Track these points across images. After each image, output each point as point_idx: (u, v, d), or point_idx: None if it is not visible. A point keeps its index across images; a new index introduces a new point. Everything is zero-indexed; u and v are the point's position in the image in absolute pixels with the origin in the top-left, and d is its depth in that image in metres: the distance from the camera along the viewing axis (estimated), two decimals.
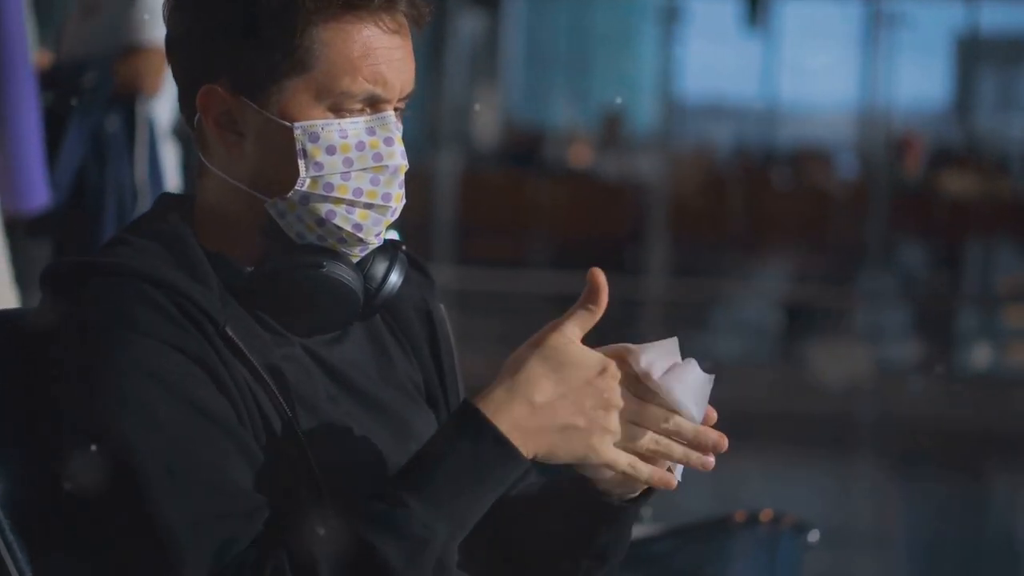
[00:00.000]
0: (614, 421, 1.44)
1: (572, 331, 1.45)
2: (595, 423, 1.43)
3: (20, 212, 3.39)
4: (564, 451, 1.43)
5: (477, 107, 13.47)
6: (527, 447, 1.42)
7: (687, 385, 1.46)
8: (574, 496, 1.54)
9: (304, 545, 1.40)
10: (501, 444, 1.41)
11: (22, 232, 3.84)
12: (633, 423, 1.45)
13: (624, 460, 1.45)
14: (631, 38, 16.81)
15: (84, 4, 3.99)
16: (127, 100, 3.86)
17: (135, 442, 1.40)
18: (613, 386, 1.44)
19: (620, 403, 1.44)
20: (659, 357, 1.46)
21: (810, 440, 6.71)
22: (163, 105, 3.97)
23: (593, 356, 1.44)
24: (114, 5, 3.90)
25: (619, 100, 14.54)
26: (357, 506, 1.40)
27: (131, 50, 3.85)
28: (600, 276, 1.46)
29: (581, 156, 11.98)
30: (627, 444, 1.45)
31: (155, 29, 3.83)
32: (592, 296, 1.46)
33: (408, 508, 1.38)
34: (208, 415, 1.44)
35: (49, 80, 3.82)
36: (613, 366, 1.44)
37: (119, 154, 3.84)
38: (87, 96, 3.81)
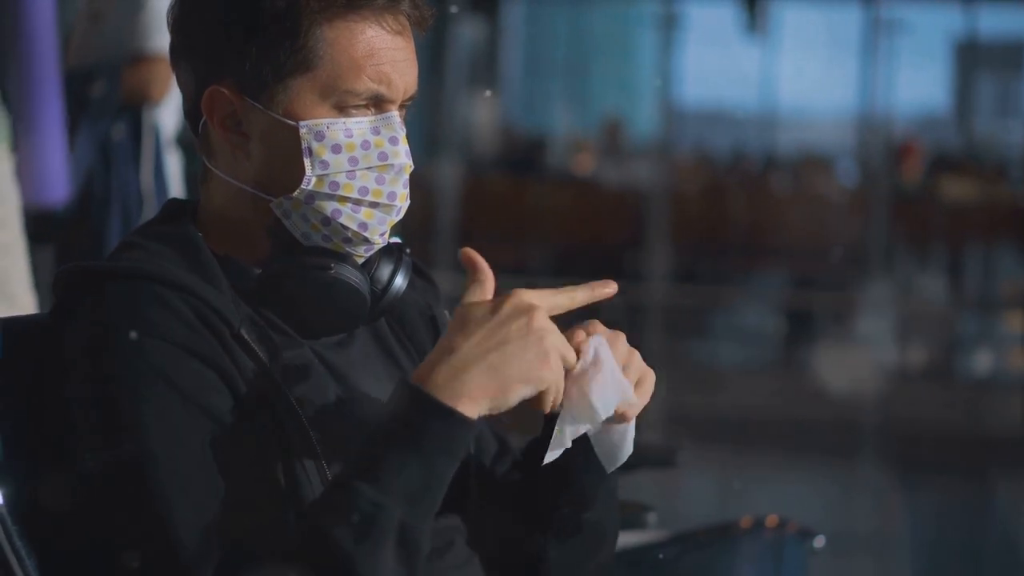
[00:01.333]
0: (540, 320, 1.41)
1: (468, 299, 1.43)
2: (526, 342, 1.40)
3: (41, 204, 3.42)
4: (509, 384, 1.39)
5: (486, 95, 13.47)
6: (467, 401, 1.38)
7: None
8: (536, 450, 1.53)
9: (275, 546, 1.39)
10: (430, 404, 1.38)
11: (26, 238, 3.84)
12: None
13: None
14: (630, 45, 16.83)
15: (90, 12, 3.99)
16: (134, 108, 3.86)
17: (148, 446, 1.40)
18: (522, 298, 1.41)
19: (542, 321, 1.41)
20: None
21: (812, 446, 6.71)
22: (167, 114, 3.97)
23: (493, 300, 1.42)
24: (120, 13, 3.90)
25: (619, 108, 14.56)
26: (321, 510, 1.38)
27: (139, 58, 3.85)
28: (470, 253, 1.45)
29: (586, 164, 11.97)
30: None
31: (162, 37, 3.83)
32: (473, 272, 1.44)
33: (353, 488, 1.36)
34: (221, 421, 1.43)
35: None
36: (515, 296, 1.41)
37: (125, 162, 3.84)
38: (95, 104, 3.81)
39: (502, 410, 1.40)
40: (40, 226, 3.73)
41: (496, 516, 1.59)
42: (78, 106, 3.79)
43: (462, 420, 1.38)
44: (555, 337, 1.41)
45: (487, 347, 1.39)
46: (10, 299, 3.23)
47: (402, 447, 1.37)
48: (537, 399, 1.42)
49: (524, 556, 1.61)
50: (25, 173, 3.28)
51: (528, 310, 1.40)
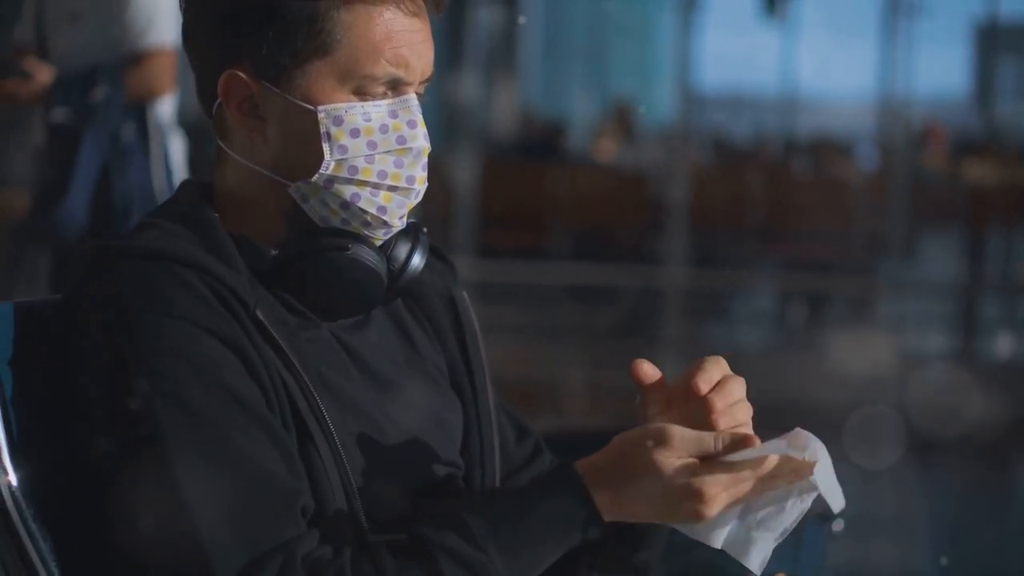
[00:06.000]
0: (708, 516, 1.42)
1: (680, 442, 1.41)
2: (685, 520, 1.42)
3: None
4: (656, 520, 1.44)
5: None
6: (615, 518, 1.43)
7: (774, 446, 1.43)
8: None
9: (366, 552, 1.39)
10: (594, 522, 1.41)
11: (25, 238, 3.82)
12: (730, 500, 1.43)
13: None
14: (649, 29, 16.79)
15: (67, 13, 3.87)
16: (138, 106, 3.83)
17: (167, 426, 1.39)
18: (705, 506, 1.40)
19: (714, 509, 1.41)
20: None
21: (831, 429, 6.70)
22: (165, 101, 3.94)
23: (684, 479, 1.40)
24: (102, 13, 3.82)
25: (638, 92, 14.50)
26: (427, 526, 1.40)
27: (139, 56, 3.80)
28: (754, 441, 1.42)
29: (605, 150, 11.94)
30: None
31: (158, 31, 3.79)
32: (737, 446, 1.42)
33: (493, 563, 1.39)
34: (240, 401, 1.42)
35: (58, 96, 3.76)
36: (706, 489, 1.40)
37: (138, 161, 3.81)
38: (100, 110, 3.76)
39: None
40: (44, 233, 3.72)
41: None
42: (82, 114, 3.74)
43: (597, 530, 1.42)
44: (714, 513, 1.42)
45: (661, 502, 1.40)
46: None
47: (549, 543, 1.41)
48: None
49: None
50: None
51: (701, 501, 1.40)
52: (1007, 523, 5.57)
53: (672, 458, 1.39)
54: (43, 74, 3.78)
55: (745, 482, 1.40)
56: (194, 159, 4.09)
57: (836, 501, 1.45)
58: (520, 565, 1.40)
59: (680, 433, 1.40)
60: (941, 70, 14.33)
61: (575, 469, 1.42)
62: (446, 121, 11.21)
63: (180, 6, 1.57)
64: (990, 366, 8.90)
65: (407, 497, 1.52)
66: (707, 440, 1.40)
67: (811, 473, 1.42)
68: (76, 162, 3.73)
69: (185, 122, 4.07)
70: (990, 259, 10.78)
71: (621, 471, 1.40)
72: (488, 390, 1.68)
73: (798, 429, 1.44)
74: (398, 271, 1.58)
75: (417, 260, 1.60)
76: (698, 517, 1.40)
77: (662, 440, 1.40)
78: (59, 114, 3.74)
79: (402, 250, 1.59)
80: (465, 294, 1.71)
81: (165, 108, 3.94)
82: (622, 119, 12.33)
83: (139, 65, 3.81)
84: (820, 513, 2.33)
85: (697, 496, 1.39)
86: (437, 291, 1.68)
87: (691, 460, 1.39)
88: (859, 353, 8.34)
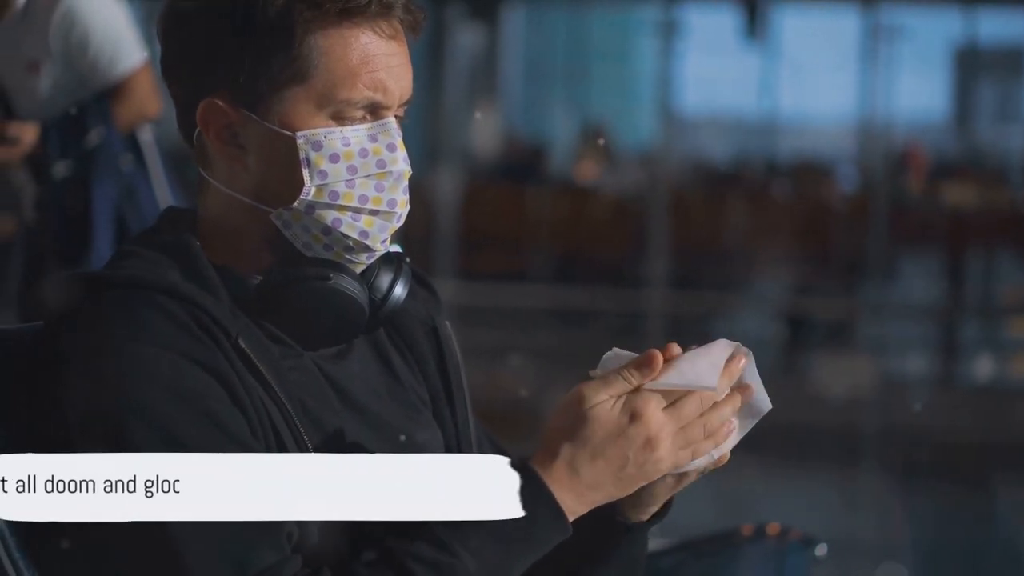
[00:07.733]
0: (662, 448, 1.43)
1: (598, 392, 1.43)
2: (645, 462, 1.43)
3: None
4: (624, 492, 1.45)
5: (478, 116, 13.48)
6: (582, 508, 1.44)
7: (687, 363, 1.45)
8: (588, 521, 1.52)
9: (343, 572, 1.40)
10: (559, 518, 1.42)
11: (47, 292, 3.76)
12: (679, 431, 1.44)
13: (686, 460, 1.45)
14: (630, 51, 16.83)
15: (25, 64, 3.77)
16: (129, 133, 3.80)
17: (151, 455, 1.38)
18: (650, 427, 1.43)
19: (662, 433, 1.43)
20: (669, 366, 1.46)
21: (814, 453, 6.70)
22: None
23: (616, 410, 1.42)
24: (62, 53, 3.77)
25: (618, 114, 14.54)
26: (397, 540, 1.40)
27: (120, 85, 3.75)
28: (656, 356, 1.45)
29: (587, 173, 11.96)
30: (681, 450, 1.45)
31: (128, 53, 3.72)
32: (642, 366, 1.44)
33: (464, 565, 1.39)
34: (224, 429, 1.42)
35: (54, 150, 3.69)
36: (639, 406, 1.43)
37: (144, 189, 3.78)
38: (100, 152, 3.72)
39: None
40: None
41: None
42: (84, 162, 3.70)
43: (568, 533, 1.42)
44: (667, 445, 1.43)
45: (616, 462, 1.42)
46: None
47: (518, 544, 1.42)
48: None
49: None
50: None
51: (642, 422, 1.42)
52: (987, 546, 5.57)
53: (600, 402, 1.42)
54: (28, 135, 3.72)
55: (681, 407, 1.43)
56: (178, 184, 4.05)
57: (764, 403, 1.48)
58: (493, 568, 1.41)
59: (587, 387, 1.43)
60: (921, 93, 14.37)
61: (531, 467, 1.43)
62: (428, 143, 11.22)
63: (157, 36, 1.57)
64: (971, 389, 8.92)
65: (386, 525, 1.52)
66: (615, 378, 1.43)
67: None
68: (92, 210, 3.69)
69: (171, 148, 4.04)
70: (969, 281, 10.82)
71: (568, 443, 1.42)
72: (469, 421, 1.68)
73: (718, 340, 1.47)
74: (380, 301, 1.58)
75: (399, 291, 1.59)
76: (650, 450, 1.42)
77: (579, 399, 1.42)
78: (61, 168, 3.70)
79: (384, 280, 1.59)
80: (448, 324, 1.71)
81: (146, 127, 3.91)
82: (591, 143, 12.35)
83: (123, 94, 3.77)
84: (804, 538, 2.33)
85: (640, 421, 1.42)
86: (420, 320, 1.68)
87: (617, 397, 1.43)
88: (839, 376, 8.35)
